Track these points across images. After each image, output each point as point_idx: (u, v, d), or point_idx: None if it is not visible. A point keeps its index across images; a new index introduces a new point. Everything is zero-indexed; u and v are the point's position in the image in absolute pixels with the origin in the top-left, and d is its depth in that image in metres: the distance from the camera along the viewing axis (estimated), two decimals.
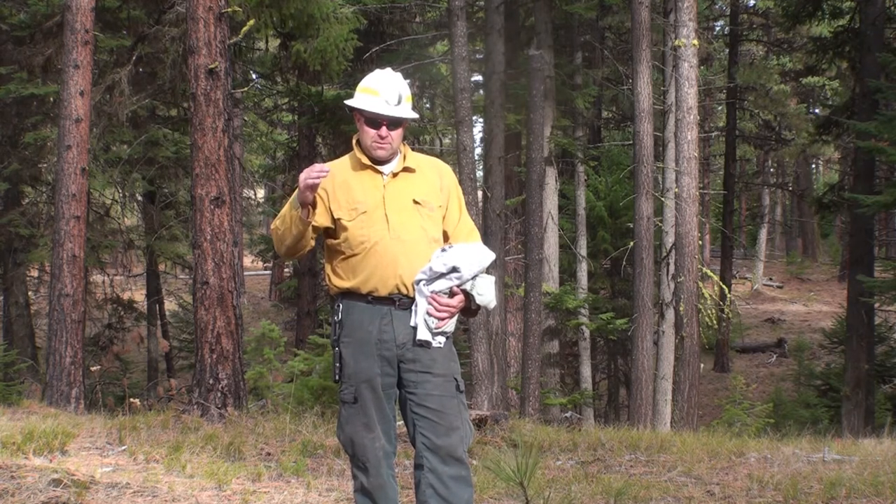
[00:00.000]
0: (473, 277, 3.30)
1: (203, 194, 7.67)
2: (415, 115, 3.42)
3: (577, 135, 16.89)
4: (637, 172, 12.44)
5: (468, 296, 3.32)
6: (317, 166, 3.27)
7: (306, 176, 3.23)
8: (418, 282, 3.29)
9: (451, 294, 3.29)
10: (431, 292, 3.27)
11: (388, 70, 3.45)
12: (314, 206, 3.32)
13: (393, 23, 17.08)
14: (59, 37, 11.03)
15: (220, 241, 7.69)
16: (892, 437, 8.00)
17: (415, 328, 3.29)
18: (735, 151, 23.50)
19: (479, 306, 3.36)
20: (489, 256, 3.36)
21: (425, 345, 3.29)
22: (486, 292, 3.33)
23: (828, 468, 5.82)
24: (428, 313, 3.27)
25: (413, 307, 3.30)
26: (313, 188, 3.25)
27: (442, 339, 3.32)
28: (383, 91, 3.34)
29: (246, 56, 15.93)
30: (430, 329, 3.28)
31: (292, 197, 3.33)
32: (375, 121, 3.33)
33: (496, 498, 4.87)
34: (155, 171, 15.09)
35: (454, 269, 3.27)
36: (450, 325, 3.33)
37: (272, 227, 3.50)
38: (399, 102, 3.34)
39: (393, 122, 3.34)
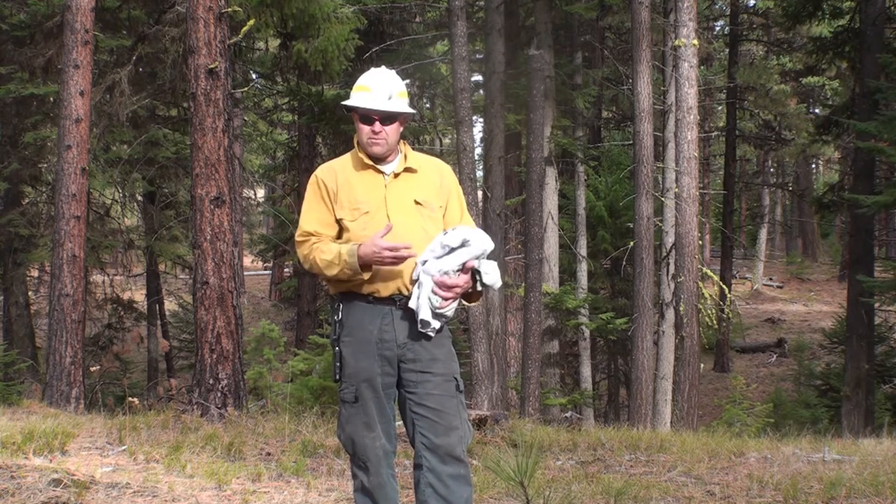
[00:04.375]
0: (479, 256, 3.32)
1: (203, 194, 7.68)
2: (408, 110, 3.42)
3: (577, 135, 16.88)
4: (637, 172, 12.43)
5: (474, 276, 3.33)
6: (401, 246, 3.21)
7: (392, 255, 3.19)
8: (424, 261, 3.27)
9: (463, 270, 3.28)
10: (440, 271, 3.25)
11: (382, 68, 3.48)
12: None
13: (393, 23, 17.09)
14: (59, 37, 11.03)
15: (220, 241, 7.70)
16: (892, 437, 8.00)
17: (415, 311, 3.27)
18: (735, 151, 23.50)
19: (484, 287, 3.37)
20: (491, 242, 3.39)
21: (425, 326, 3.27)
22: (491, 271, 3.35)
23: (828, 468, 5.82)
24: (433, 291, 3.25)
25: (415, 290, 3.28)
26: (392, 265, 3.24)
27: (437, 324, 3.29)
28: (375, 87, 3.36)
29: (246, 56, 15.93)
30: (432, 308, 3.26)
31: (354, 251, 3.23)
32: (368, 117, 3.35)
33: (496, 498, 4.87)
34: (155, 171, 15.09)
35: (464, 243, 3.27)
36: (449, 310, 3.31)
37: (310, 257, 3.35)
38: (390, 98, 3.35)
39: (386, 118, 3.35)
